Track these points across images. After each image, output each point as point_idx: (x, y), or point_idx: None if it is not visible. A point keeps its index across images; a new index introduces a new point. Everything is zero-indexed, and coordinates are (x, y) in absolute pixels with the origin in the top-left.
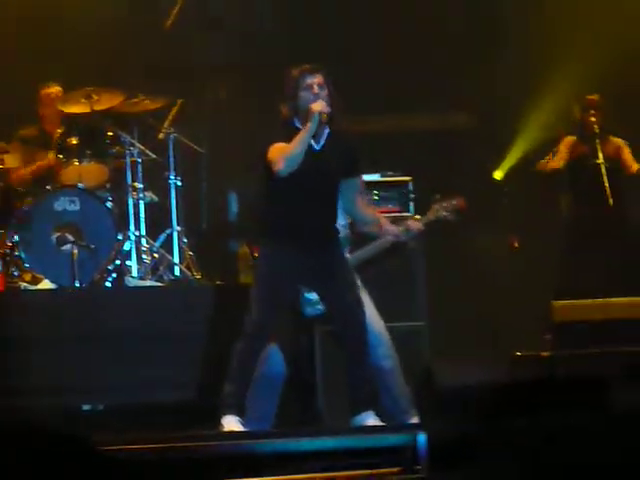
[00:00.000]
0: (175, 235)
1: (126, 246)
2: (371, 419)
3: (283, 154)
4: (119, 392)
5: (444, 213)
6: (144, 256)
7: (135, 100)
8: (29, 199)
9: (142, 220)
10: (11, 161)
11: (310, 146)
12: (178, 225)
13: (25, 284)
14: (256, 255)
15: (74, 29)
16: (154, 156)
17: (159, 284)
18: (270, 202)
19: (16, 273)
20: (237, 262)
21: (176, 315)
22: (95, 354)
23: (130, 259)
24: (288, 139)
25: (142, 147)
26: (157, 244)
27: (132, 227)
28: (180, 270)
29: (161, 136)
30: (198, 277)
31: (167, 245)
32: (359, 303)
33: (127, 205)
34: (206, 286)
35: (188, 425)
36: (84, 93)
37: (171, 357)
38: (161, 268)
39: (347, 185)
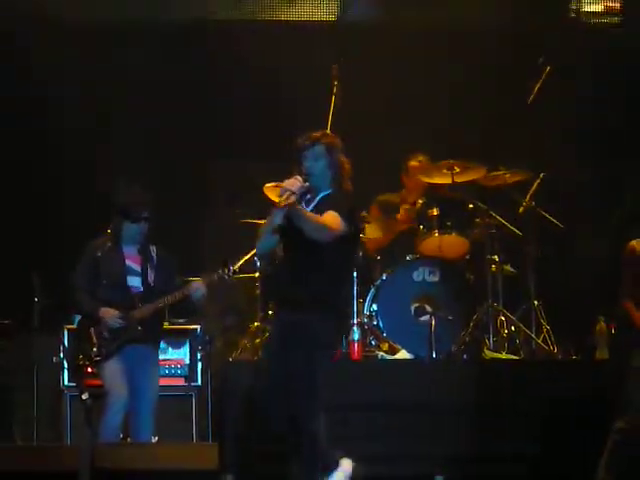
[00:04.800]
0: (533, 309)
1: (483, 318)
2: None
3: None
4: (472, 463)
5: None
6: (501, 329)
7: (496, 173)
8: (388, 269)
9: (500, 292)
10: (372, 231)
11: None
12: (536, 299)
13: (382, 353)
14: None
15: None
16: (514, 229)
17: (516, 357)
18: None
19: (374, 342)
20: (594, 337)
21: (532, 389)
22: (447, 425)
23: (488, 331)
24: None
25: (502, 220)
26: (515, 317)
27: (490, 299)
28: (536, 344)
29: (522, 210)
30: (555, 352)
31: (525, 318)
32: None
33: (486, 277)
34: (562, 360)
35: None
36: (447, 165)
37: (525, 432)
38: (518, 341)
39: None
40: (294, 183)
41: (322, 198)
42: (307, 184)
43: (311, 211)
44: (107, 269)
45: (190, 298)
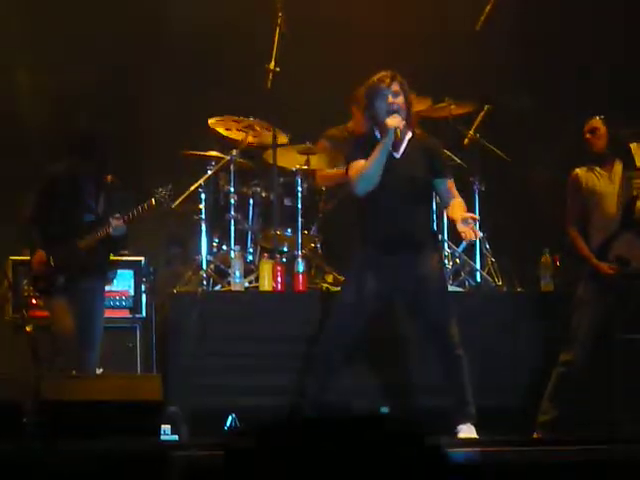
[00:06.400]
0: (478, 241)
1: None
2: None
3: (358, 174)
4: (413, 395)
5: None
6: (446, 261)
7: (441, 105)
8: (334, 200)
9: (444, 225)
10: (316, 162)
11: (390, 155)
12: (481, 231)
13: (327, 285)
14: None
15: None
16: (459, 161)
17: (460, 289)
18: (363, 212)
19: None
20: (538, 269)
21: (474, 321)
22: (392, 357)
23: None
24: (368, 153)
25: (447, 152)
26: (459, 249)
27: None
28: (481, 276)
29: (466, 141)
30: (499, 284)
31: (469, 251)
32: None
33: None
34: (506, 293)
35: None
36: None
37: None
38: (463, 274)
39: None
40: (399, 122)
41: (415, 142)
42: (404, 122)
43: (403, 153)
44: (64, 196)
45: (112, 236)
